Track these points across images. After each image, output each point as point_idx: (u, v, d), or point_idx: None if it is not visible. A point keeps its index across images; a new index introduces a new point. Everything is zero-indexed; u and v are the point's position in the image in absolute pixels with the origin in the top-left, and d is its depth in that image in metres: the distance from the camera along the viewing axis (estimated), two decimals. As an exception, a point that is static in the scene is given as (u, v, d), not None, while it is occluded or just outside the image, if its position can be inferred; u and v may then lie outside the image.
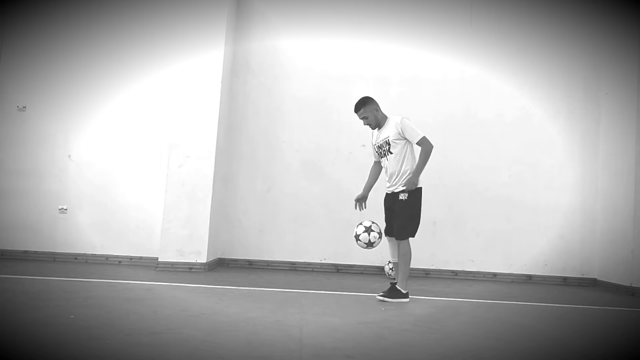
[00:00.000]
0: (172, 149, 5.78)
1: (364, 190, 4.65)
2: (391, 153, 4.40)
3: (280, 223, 6.36)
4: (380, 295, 4.34)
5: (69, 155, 6.23)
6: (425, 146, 4.34)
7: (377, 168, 4.67)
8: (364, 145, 6.32)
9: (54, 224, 6.16)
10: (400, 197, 4.35)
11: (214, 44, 5.85)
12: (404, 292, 4.34)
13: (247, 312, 3.65)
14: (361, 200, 4.62)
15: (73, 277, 4.87)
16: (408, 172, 4.37)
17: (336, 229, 6.26)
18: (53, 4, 6.33)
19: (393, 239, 4.45)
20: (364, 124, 4.56)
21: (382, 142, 4.47)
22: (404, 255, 4.34)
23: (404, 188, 4.34)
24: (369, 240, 4.39)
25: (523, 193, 6.42)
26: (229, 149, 6.36)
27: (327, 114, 6.44)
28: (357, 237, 4.44)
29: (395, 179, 4.41)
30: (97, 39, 6.29)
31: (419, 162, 4.36)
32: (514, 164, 6.46)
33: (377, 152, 4.57)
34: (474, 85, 6.51)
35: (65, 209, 6.17)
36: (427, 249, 6.30)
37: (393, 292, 4.32)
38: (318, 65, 6.50)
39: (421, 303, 4.49)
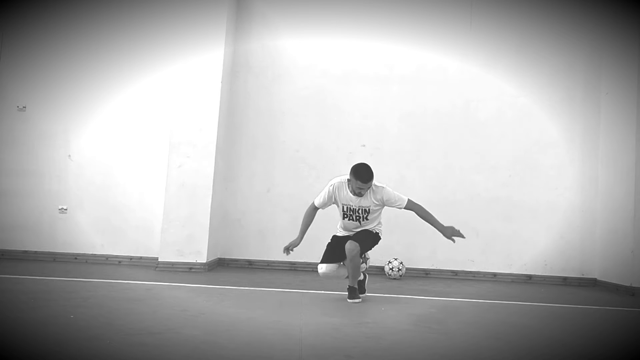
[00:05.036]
0: (172, 148, 5.78)
1: (299, 236, 4.41)
2: (367, 220, 4.30)
3: (280, 223, 6.35)
4: (352, 301, 4.26)
5: (69, 155, 6.23)
6: (419, 205, 4.32)
7: (315, 213, 4.49)
8: (364, 145, 6.35)
9: (54, 224, 6.15)
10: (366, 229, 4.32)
11: (214, 43, 5.85)
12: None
13: (247, 312, 3.66)
14: (294, 247, 4.42)
15: (73, 277, 4.87)
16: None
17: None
18: (53, 4, 6.33)
19: (336, 265, 4.38)
20: (357, 191, 4.16)
21: (359, 208, 4.26)
22: (359, 266, 4.30)
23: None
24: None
25: (523, 193, 6.41)
26: (229, 149, 6.35)
27: (327, 113, 6.43)
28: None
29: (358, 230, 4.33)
30: (97, 39, 6.29)
31: (432, 218, 4.30)
32: (514, 164, 6.45)
33: (345, 212, 4.31)
34: (474, 85, 6.51)
35: (65, 209, 6.16)
36: (427, 249, 6.30)
37: (359, 289, 4.35)
38: (318, 64, 6.49)
39: (421, 303, 4.50)
